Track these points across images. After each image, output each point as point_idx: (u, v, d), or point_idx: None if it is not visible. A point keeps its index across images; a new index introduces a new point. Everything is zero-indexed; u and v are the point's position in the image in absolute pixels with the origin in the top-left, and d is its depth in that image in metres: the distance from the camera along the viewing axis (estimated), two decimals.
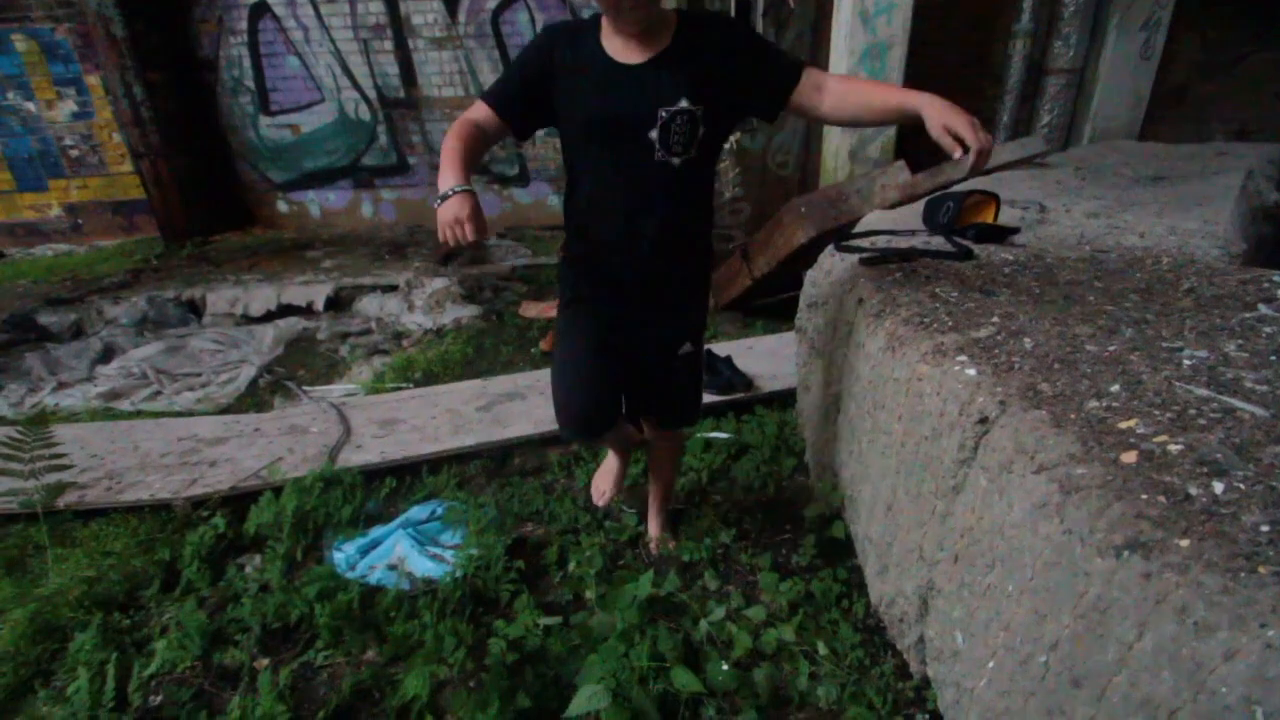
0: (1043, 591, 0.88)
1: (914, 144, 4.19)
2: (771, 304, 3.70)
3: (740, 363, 2.71)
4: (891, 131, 4.04)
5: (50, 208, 6.10)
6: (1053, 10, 4.51)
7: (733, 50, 1.24)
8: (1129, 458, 0.86)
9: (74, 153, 5.90)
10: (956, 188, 2.60)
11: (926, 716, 1.29)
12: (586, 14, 1.12)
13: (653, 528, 1.85)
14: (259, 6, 5.42)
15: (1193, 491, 0.78)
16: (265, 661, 1.51)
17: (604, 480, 1.95)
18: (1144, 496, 0.79)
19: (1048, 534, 0.87)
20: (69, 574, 1.78)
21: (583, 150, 1.31)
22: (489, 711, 1.29)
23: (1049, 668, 0.86)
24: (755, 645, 1.45)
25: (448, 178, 1.16)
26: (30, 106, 5.71)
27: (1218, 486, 0.78)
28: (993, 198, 1.99)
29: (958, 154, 1.06)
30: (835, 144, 4.07)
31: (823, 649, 1.43)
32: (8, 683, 1.48)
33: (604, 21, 1.25)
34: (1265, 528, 0.71)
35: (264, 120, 5.81)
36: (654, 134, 1.22)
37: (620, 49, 1.23)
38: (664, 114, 1.21)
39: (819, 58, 4.03)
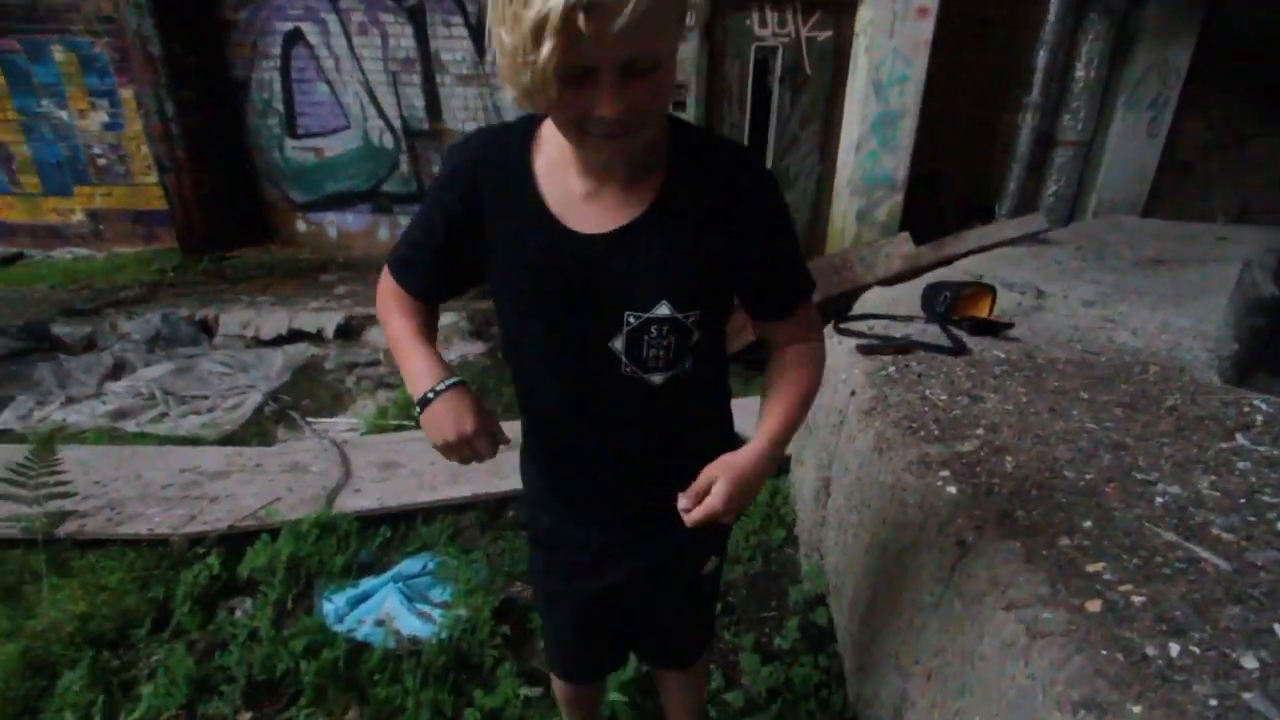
0: None
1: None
2: None
3: (737, 423, 2.75)
4: (899, 198, 4.13)
5: (73, 213, 6.23)
6: (1063, 85, 4.63)
7: (750, 229, 0.80)
8: (1094, 606, 0.89)
9: (101, 161, 6.04)
10: (956, 273, 2.66)
11: None
12: None
13: None
14: (293, 34, 5.60)
15: (1150, 651, 0.81)
16: (248, 715, 1.53)
17: None
18: (1104, 652, 0.82)
19: (1013, 675, 0.90)
20: (63, 607, 1.81)
21: (519, 330, 0.88)
22: None
23: None
24: None
25: (419, 371, 0.83)
26: (63, 115, 5.87)
27: (1174, 648, 0.81)
28: (989, 290, 2.04)
29: (682, 503, 0.81)
30: (844, 206, 4.17)
31: None
32: None
33: (541, 142, 0.80)
34: (1214, 701, 0.74)
35: (289, 143, 5.95)
36: (618, 344, 0.81)
37: (572, 201, 0.78)
38: (632, 320, 0.79)
39: (832, 123, 4.15)
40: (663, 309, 0.78)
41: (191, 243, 5.72)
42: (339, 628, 1.74)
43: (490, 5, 0.63)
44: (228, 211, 5.90)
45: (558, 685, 1.24)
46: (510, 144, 0.81)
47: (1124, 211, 4.89)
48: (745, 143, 4.17)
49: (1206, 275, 2.95)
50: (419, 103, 5.77)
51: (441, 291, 0.93)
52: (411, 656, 1.63)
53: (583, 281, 0.79)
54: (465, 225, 0.83)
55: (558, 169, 0.79)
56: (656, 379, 0.84)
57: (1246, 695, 0.74)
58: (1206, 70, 4.59)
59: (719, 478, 0.80)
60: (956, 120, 4.79)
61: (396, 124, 5.84)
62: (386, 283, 0.93)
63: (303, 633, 1.67)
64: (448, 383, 0.82)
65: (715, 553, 1.10)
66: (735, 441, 0.98)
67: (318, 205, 6.14)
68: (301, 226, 6.23)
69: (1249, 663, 0.78)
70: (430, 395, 0.81)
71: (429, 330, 0.91)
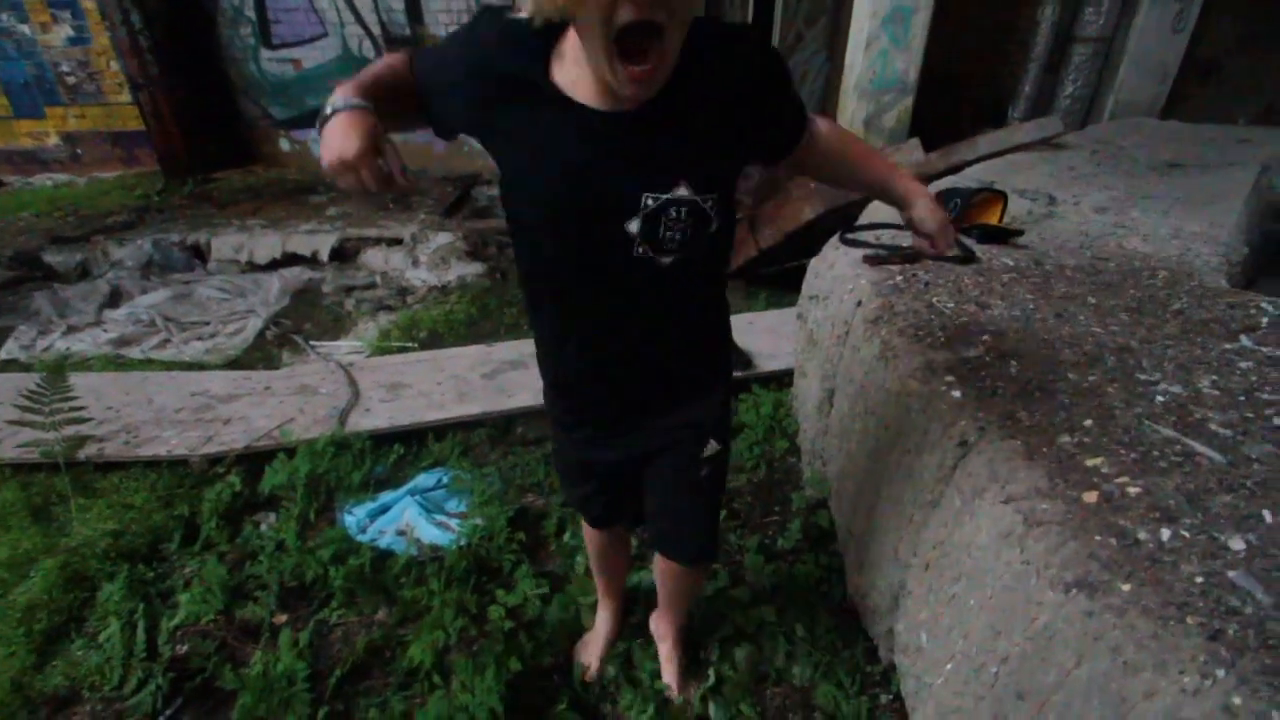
0: (999, 610, 0.96)
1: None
2: (775, 273, 3.72)
3: (740, 339, 2.73)
4: (909, 101, 3.95)
5: (48, 136, 5.99)
6: None
7: (755, 94, 0.85)
8: (1090, 497, 0.93)
9: (70, 80, 5.74)
10: (966, 180, 2.59)
11: (890, 697, 1.41)
12: None
13: (668, 674, 1.48)
14: None
15: (1142, 536, 0.85)
16: (284, 617, 1.63)
17: (588, 650, 1.53)
18: (1097, 538, 0.86)
19: (1009, 560, 0.95)
20: (93, 525, 1.88)
21: (528, 227, 0.91)
22: (485, 674, 1.41)
23: (998, 678, 0.96)
24: (739, 624, 1.56)
25: (335, 96, 0.77)
26: (24, 29, 5.52)
27: (1165, 533, 0.85)
28: (1000, 196, 1.99)
29: (927, 249, 0.97)
30: (850, 112, 3.99)
31: (800, 630, 1.54)
32: (43, 628, 1.60)
33: (565, 42, 0.79)
34: (1199, 579, 0.78)
35: (265, 54, 5.64)
36: (634, 226, 0.82)
37: (587, 84, 0.78)
38: (650, 201, 0.80)
39: (841, 18, 3.90)
40: (681, 190, 0.81)
41: (174, 165, 5.52)
42: (361, 538, 1.82)
43: None
44: (209, 132, 5.66)
45: (588, 533, 1.36)
46: (531, 40, 0.79)
47: (1142, 113, 4.69)
48: None
49: (1223, 179, 2.86)
50: (398, 6, 5.41)
51: (437, 99, 0.89)
52: (434, 562, 1.72)
53: (598, 162, 0.80)
54: (466, 87, 0.83)
55: (573, 64, 0.78)
56: (666, 260, 0.87)
57: (1231, 573, 0.78)
58: None
59: (917, 205, 1.04)
60: (974, 15, 4.51)
61: (376, 30, 5.50)
62: (394, 55, 0.90)
63: (328, 542, 1.75)
64: (350, 103, 0.76)
65: (714, 437, 1.12)
66: (730, 351, 1.15)
67: (301, 122, 5.88)
68: (285, 146, 6.00)
69: (1236, 544, 0.82)
70: (329, 112, 0.76)
71: (389, 89, 0.84)
